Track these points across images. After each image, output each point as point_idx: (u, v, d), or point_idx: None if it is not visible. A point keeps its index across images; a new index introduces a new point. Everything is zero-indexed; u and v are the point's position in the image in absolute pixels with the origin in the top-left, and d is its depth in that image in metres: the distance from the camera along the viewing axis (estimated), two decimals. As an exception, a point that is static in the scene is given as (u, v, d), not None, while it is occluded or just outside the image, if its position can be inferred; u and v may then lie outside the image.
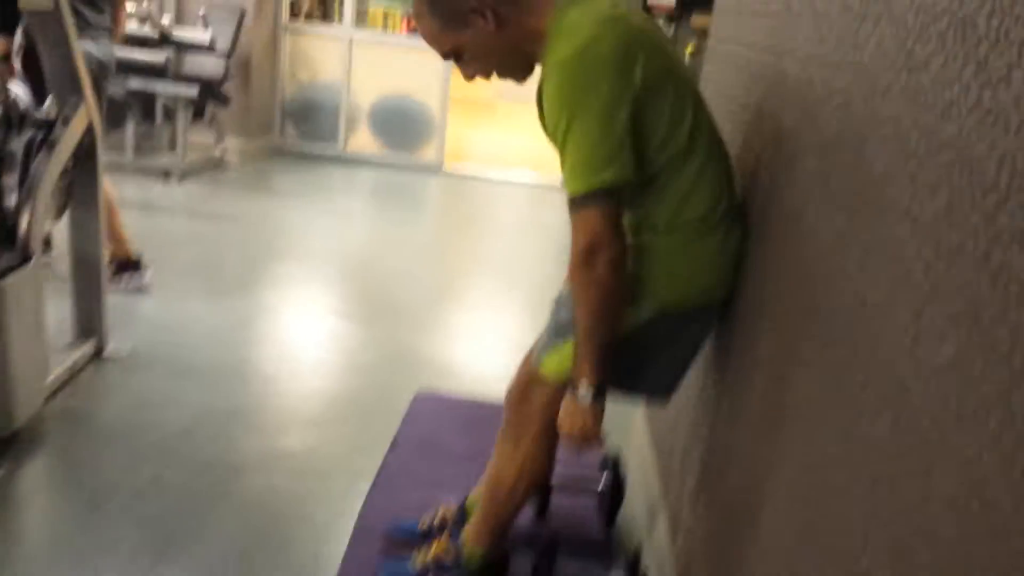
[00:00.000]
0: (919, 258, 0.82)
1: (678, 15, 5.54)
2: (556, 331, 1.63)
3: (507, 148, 8.79)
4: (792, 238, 1.29)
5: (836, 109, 1.15)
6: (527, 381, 1.70)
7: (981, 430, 0.65)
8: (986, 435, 0.64)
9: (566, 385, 1.53)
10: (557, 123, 1.41)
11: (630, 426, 2.67)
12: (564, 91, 1.40)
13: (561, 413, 1.55)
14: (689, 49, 5.17)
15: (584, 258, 1.41)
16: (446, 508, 1.99)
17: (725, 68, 2.15)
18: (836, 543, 0.92)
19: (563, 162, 1.43)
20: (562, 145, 1.42)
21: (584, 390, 1.49)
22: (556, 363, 1.60)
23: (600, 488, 2.17)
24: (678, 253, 1.53)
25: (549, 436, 1.68)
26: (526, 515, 2.08)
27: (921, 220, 0.83)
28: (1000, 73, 0.72)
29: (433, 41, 1.53)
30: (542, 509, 2.12)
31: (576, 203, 1.42)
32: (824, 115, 1.20)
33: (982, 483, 0.64)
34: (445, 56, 1.55)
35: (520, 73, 1.59)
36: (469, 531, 1.84)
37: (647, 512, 2.20)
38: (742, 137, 1.76)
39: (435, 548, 1.87)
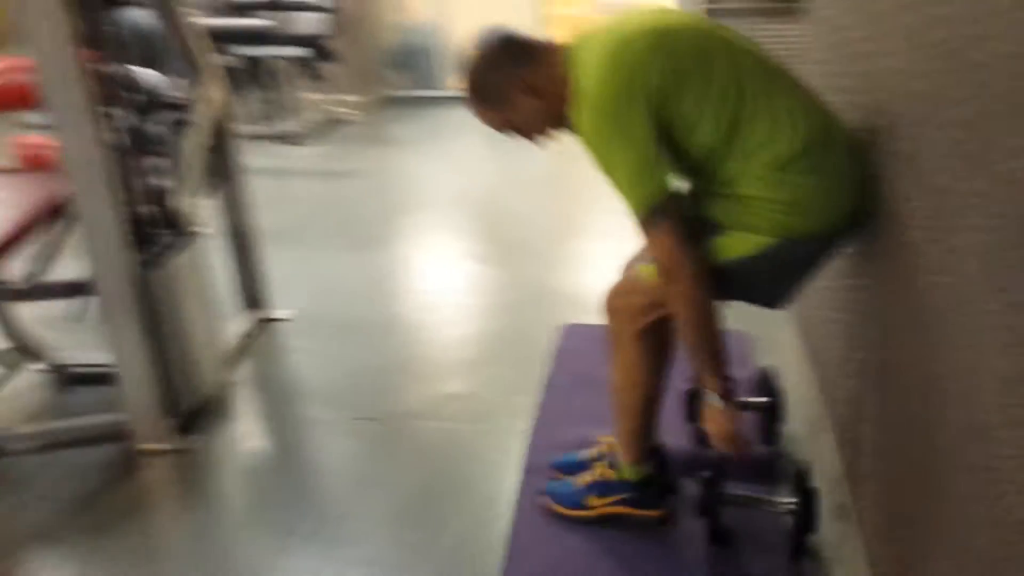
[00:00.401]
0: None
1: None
2: None
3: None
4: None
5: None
6: (623, 288, 1.79)
7: None
8: None
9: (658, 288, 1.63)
10: (598, 159, 1.56)
11: (784, 342, 2.63)
12: (592, 133, 1.55)
13: (708, 422, 1.71)
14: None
15: (671, 278, 1.57)
16: (605, 441, 2.04)
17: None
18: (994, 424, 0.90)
19: (616, 188, 1.56)
20: (609, 176, 1.55)
21: (713, 399, 1.66)
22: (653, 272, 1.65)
23: (760, 405, 2.17)
24: (779, 192, 1.55)
25: (650, 339, 1.76)
26: (687, 442, 2.13)
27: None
28: None
29: (489, 122, 1.74)
30: (701, 436, 2.14)
31: (644, 223, 1.55)
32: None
33: None
34: (503, 131, 1.75)
35: (566, 120, 1.67)
36: (616, 450, 1.92)
37: (810, 428, 2.19)
38: (866, 15, 1.67)
39: (596, 470, 1.95)
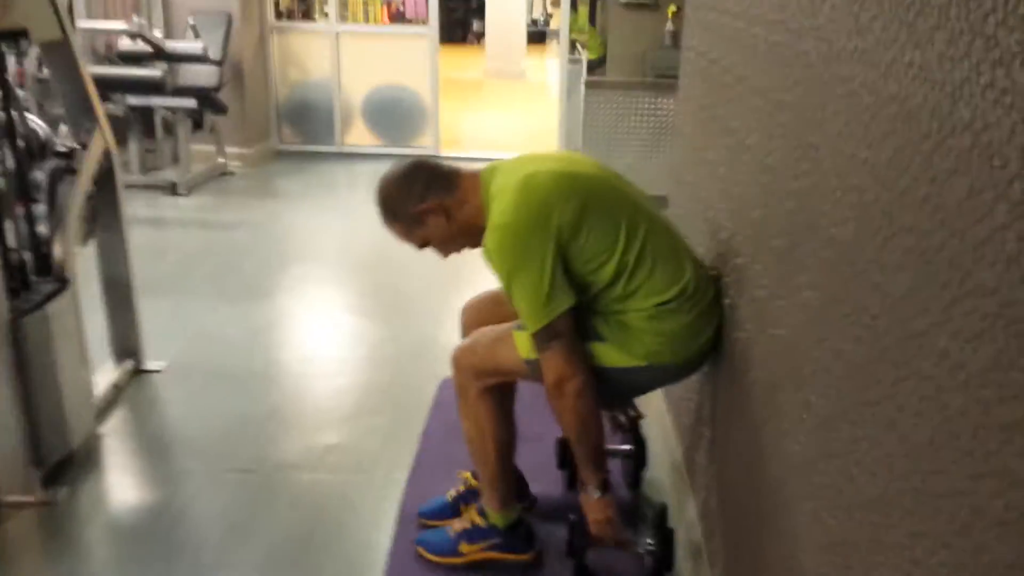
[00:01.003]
0: (876, 202, 0.93)
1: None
2: None
3: (500, 126, 8.87)
4: (771, 188, 1.40)
5: (802, 69, 1.25)
6: (469, 348, 1.91)
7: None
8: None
9: (522, 360, 1.79)
10: (500, 277, 1.70)
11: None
12: (498, 254, 1.69)
13: (587, 511, 1.84)
14: (671, 10, 5.22)
15: (554, 391, 1.70)
16: (465, 475, 2.12)
17: (703, 33, 2.24)
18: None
19: (515, 306, 1.70)
20: (510, 294, 1.70)
21: (593, 490, 1.80)
22: (524, 344, 1.79)
23: (625, 452, 2.29)
24: (653, 330, 1.74)
25: (495, 394, 1.89)
26: (558, 487, 2.22)
27: (875, 165, 0.94)
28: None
29: (405, 240, 1.89)
30: (571, 481, 2.25)
31: (536, 341, 1.69)
32: (792, 75, 1.30)
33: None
34: (420, 247, 1.91)
35: (480, 239, 1.81)
36: (483, 499, 2.01)
37: (670, 474, 2.32)
38: (725, 97, 1.86)
39: (465, 516, 2.03)
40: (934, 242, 0.79)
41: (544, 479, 2.31)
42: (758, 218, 1.51)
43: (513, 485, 2.01)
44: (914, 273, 0.83)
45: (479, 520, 2.00)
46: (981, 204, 0.71)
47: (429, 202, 1.80)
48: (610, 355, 1.75)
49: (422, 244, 1.89)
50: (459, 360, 1.90)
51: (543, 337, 1.67)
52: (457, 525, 2.02)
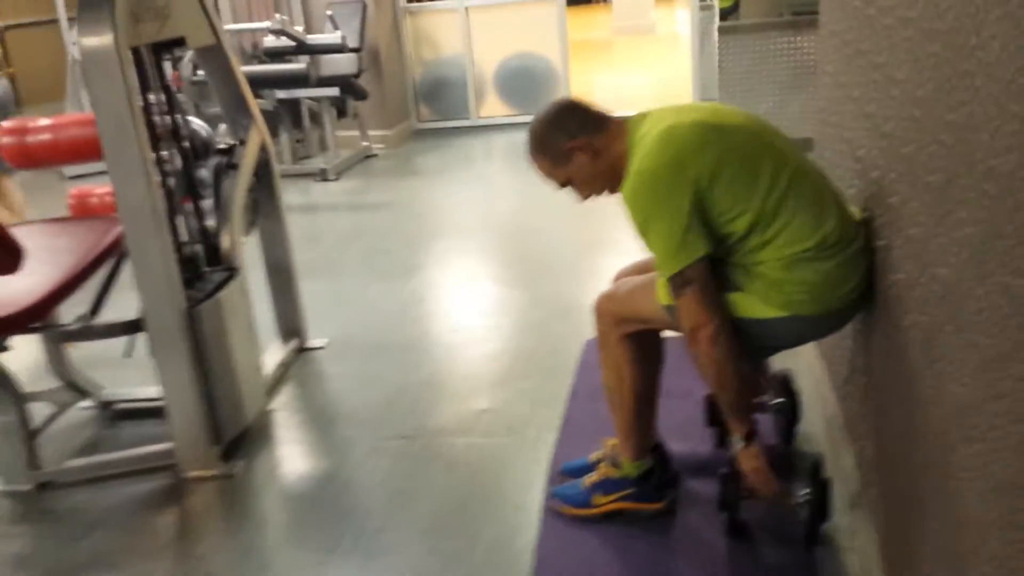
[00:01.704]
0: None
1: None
2: None
3: (632, 83, 8.72)
4: (924, 122, 1.31)
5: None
6: (613, 295, 1.93)
7: None
8: None
9: (660, 306, 1.80)
10: (637, 224, 1.73)
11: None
12: (634, 200, 1.72)
13: (739, 463, 1.82)
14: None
15: (690, 338, 1.71)
16: (611, 442, 2.13)
17: (848, 19, 2.12)
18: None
19: (650, 248, 1.73)
20: (646, 240, 1.73)
21: (738, 440, 1.79)
22: (665, 289, 1.77)
23: (778, 406, 2.24)
24: (792, 279, 1.70)
25: (636, 342, 1.90)
26: (707, 445, 2.21)
27: None
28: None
29: (548, 176, 1.90)
30: (720, 438, 2.21)
31: (671, 287, 1.70)
32: (942, 1, 1.21)
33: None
34: (561, 186, 1.90)
35: (611, 191, 1.88)
36: (617, 448, 2.03)
37: (825, 426, 2.25)
38: (871, 30, 1.76)
39: (600, 470, 2.06)
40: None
41: (693, 436, 2.29)
42: (911, 154, 1.43)
43: (649, 437, 2.02)
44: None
45: (612, 471, 2.03)
46: None
47: (579, 140, 1.81)
48: (750, 305, 1.72)
49: (564, 182, 1.89)
50: (600, 307, 1.94)
51: (677, 283, 1.68)
52: (591, 477, 2.06)
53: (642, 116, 1.82)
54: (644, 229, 1.71)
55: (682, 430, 2.27)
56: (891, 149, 1.59)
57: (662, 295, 1.78)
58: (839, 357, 2.15)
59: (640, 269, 2.05)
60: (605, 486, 2.03)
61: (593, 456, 2.16)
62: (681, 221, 1.66)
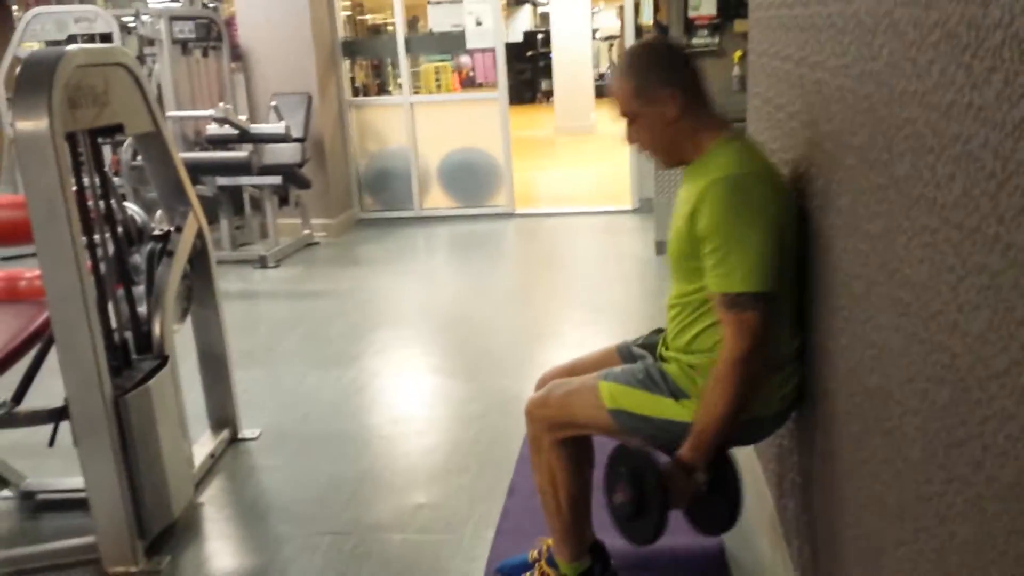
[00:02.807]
0: (948, 241, 0.92)
1: (720, 23, 5.63)
2: (635, 379, 1.80)
3: (572, 180, 8.96)
4: (843, 232, 1.39)
5: (863, 113, 1.25)
6: (543, 401, 1.89)
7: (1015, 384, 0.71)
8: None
9: (602, 410, 1.78)
10: (720, 225, 1.60)
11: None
12: (736, 200, 1.60)
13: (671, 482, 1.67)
14: (737, 55, 5.24)
15: (745, 357, 1.59)
16: (546, 540, 2.11)
17: (767, 79, 2.26)
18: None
19: (719, 261, 1.61)
20: (725, 246, 1.60)
21: (701, 475, 1.66)
22: (610, 393, 1.78)
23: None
24: (770, 393, 1.73)
25: (569, 445, 1.89)
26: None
27: (943, 205, 0.93)
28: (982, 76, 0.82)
29: (620, 98, 1.75)
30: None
31: (739, 302, 1.59)
32: (856, 120, 1.30)
33: None
34: (622, 115, 1.76)
35: (668, 161, 1.80)
36: (553, 550, 2.02)
37: (766, 523, 2.27)
38: (792, 143, 1.86)
39: (538, 570, 2.04)
40: (1007, 280, 0.78)
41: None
42: (833, 261, 1.50)
43: (586, 537, 2.01)
44: (990, 311, 0.82)
45: (550, 571, 2.01)
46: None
47: (677, 91, 1.69)
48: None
49: (628, 116, 1.75)
50: (532, 412, 1.92)
51: (742, 301, 1.58)
52: None
53: (733, 138, 1.74)
54: (726, 236, 1.59)
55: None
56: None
57: (609, 399, 1.78)
58: (774, 455, 2.19)
59: (568, 372, 2.02)
60: None
61: (531, 555, 2.14)
62: (774, 237, 1.59)
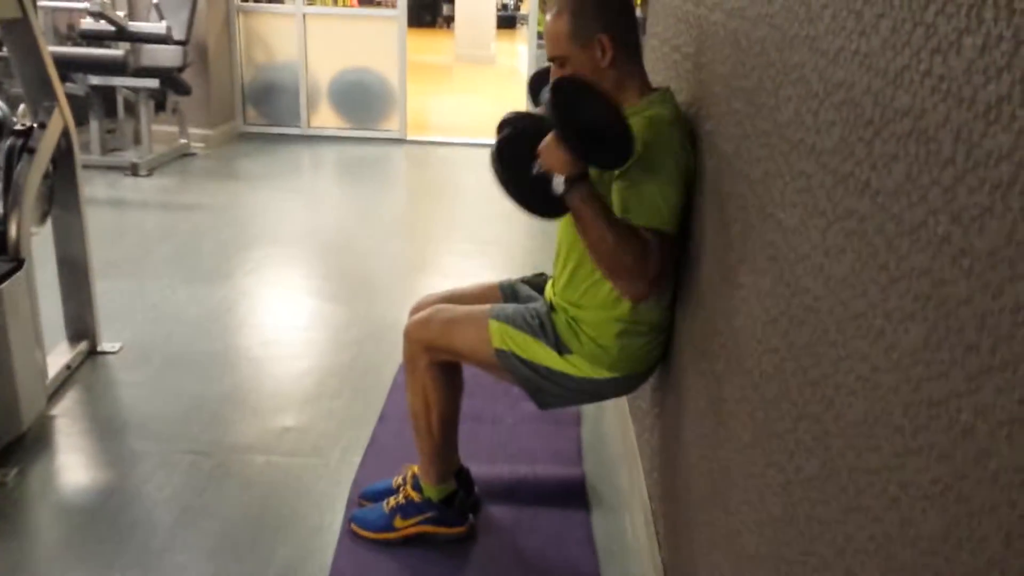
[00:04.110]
0: (822, 187, 0.94)
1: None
2: (526, 323, 1.82)
3: (468, 111, 8.84)
4: (727, 176, 1.41)
5: (755, 56, 1.26)
6: (423, 321, 1.89)
7: (951, 418, 0.65)
8: (957, 425, 0.64)
9: (487, 345, 1.81)
10: (642, 155, 1.59)
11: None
12: (654, 137, 1.61)
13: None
14: (639, 0, 5.23)
15: (640, 273, 1.56)
16: (411, 467, 2.13)
17: (666, 19, 2.25)
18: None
19: (630, 193, 1.60)
20: (639, 178, 1.59)
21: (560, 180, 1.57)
22: (500, 332, 1.81)
23: None
24: (636, 345, 1.79)
25: (443, 368, 1.91)
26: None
27: (821, 150, 0.95)
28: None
29: (553, 40, 1.73)
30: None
31: (644, 236, 1.57)
32: (747, 63, 1.31)
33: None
34: (552, 59, 1.75)
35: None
36: (419, 474, 2.03)
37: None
38: (685, 84, 1.87)
39: (401, 494, 2.05)
40: (873, 225, 0.80)
41: (498, 461, 2.32)
42: (712, 204, 1.53)
43: (453, 462, 2.04)
44: (854, 256, 0.85)
45: (414, 495, 2.02)
46: (917, 188, 0.72)
47: (611, 38, 1.68)
48: (581, 366, 1.78)
49: (560, 58, 1.73)
50: (411, 333, 1.91)
51: (650, 233, 1.57)
52: (392, 501, 2.04)
53: (665, 93, 1.76)
54: (641, 171, 1.59)
55: (488, 455, 2.29)
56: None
57: (495, 336, 1.80)
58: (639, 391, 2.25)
59: (446, 300, 1.99)
60: (406, 509, 2.01)
61: (396, 481, 2.14)
62: (681, 183, 1.62)
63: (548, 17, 1.76)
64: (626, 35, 1.73)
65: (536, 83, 2.04)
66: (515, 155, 1.63)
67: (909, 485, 0.71)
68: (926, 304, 0.70)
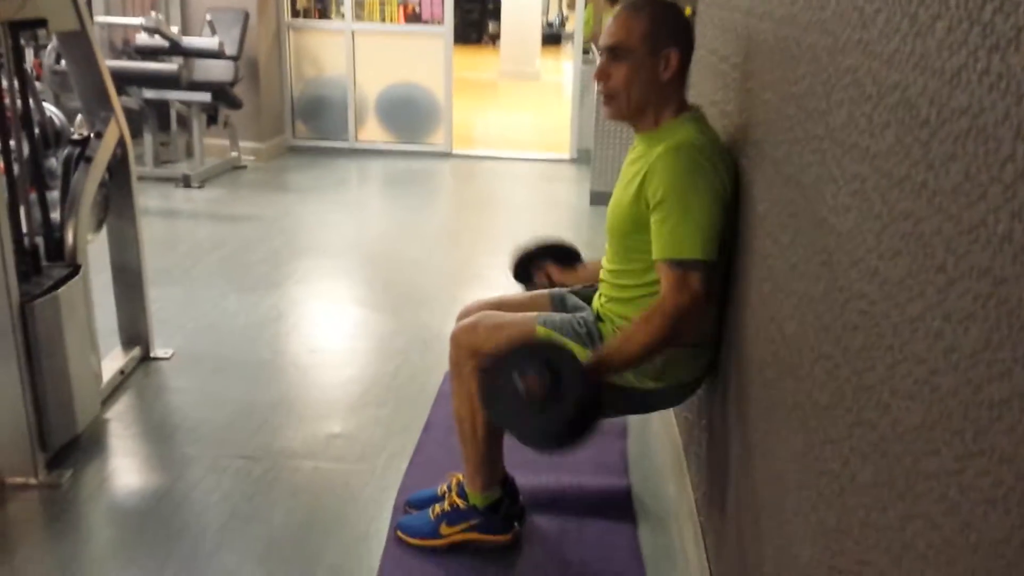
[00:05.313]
0: (876, 189, 0.93)
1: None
2: (573, 331, 1.84)
3: (512, 126, 8.88)
4: (777, 183, 1.40)
5: (807, 63, 1.25)
6: (471, 327, 1.89)
7: (1013, 420, 0.63)
8: (1020, 426, 0.62)
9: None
10: (674, 190, 1.64)
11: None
12: (691, 167, 1.65)
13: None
14: (687, 11, 5.21)
15: (680, 312, 1.62)
16: (456, 475, 2.13)
17: (714, 30, 2.25)
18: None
19: (671, 227, 1.64)
20: (678, 211, 1.63)
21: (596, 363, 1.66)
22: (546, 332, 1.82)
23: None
24: (682, 357, 1.80)
25: None
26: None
27: (875, 152, 0.94)
28: (928, 23, 0.82)
29: (624, 30, 1.73)
30: None
31: (686, 265, 1.63)
32: (799, 69, 1.30)
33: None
34: (612, 47, 1.75)
35: (626, 113, 1.80)
36: (464, 481, 2.03)
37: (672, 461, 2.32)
38: (733, 95, 1.86)
39: (446, 501, 2.05)
40: (931, 226, 0.79)
41: (542, 471, 2.31)
42: (762, 212, 1.52)
43: (498, 469, 2.03)
44: (910, 258, 0.83)
45: (459, 502, 2.03)
46: (976, 187, 0.71)
47: (675, 54, 1.73)
48: (626, 376, 1.78)
49: (618, 53, 1.74)
50: (458, 337, 1.91)
51: (694, 265, 1.62)
52: (438, 508, 2.05)
53: (697, 114, 1.80)
54: (674, 203, 1.63)
55: (531, 465, 2.29)
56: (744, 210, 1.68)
57: None
58: (686, 403, 2.23)
59: (494, 307, 2.01)
60: (451, 516, 2.02)
61: (440, 488, 2.15)
62: (721, 209, 1.65)
63: (621, 8, 1.78)
64: (687, 57, 1.78)
65: (521, 266, 2.27)
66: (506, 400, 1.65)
67: (970, 489, 0.69)
68: (986, 303, 0.68)
